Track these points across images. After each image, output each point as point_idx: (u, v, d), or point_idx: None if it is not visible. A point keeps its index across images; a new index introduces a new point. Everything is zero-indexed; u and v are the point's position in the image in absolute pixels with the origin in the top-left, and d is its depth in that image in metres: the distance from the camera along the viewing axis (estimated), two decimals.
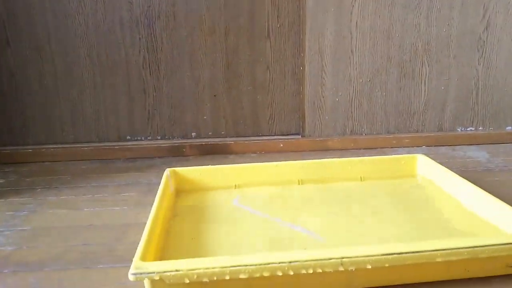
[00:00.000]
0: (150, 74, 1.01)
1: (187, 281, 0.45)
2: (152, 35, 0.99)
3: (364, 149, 1.04)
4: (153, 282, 0.45)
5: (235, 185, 0.78)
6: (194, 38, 1.00)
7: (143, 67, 1.01)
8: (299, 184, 0.79)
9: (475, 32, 1.00)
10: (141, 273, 0.44)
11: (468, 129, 1.08)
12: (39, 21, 0.96)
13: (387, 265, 0.47)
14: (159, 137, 1.05)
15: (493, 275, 0.51)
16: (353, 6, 0.96)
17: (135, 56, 1.00)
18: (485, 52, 1.02)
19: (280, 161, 0.83)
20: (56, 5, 0.95)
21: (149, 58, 1.00)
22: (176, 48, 1.00)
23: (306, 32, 0.98)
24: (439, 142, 1.06)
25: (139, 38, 0.99)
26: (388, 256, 0.47)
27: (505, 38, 1.01)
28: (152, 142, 1.04)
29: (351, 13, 0.97)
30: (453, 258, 0.47)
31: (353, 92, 1.02)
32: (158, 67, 1.01)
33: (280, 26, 1.00)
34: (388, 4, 0.97)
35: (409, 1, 0.97)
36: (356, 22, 0.98)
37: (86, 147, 1.02)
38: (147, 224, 0.54)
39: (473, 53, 1.02)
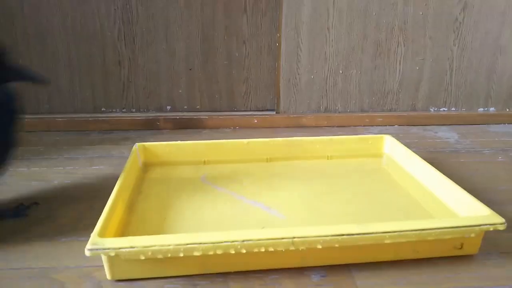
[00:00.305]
0: (125, 46, 1.00)
1: (142, 257, 0.46)
2: (128, 6, 0.97)
3: (337, 126, 1.06)
4: (109, 257, 0.47)
5: (204, 161, 0.79)
6: (170, 11, 0.98)
7: (118, 39, 0.99)
8: (267, 161, 0.80)
9: (451, 13, 1.00)
10: (97, 249, 0.45)
11: (441, 109, 1.10)
12: None
13: (337, 245, 0.49)
14: (134, 110, 1.05)
15: (441, 256, 0.53)
16: None
17: (110, 28, 0.98)
18: (460, 34, 1.02)
19: (254, 137, 0.84)
20: None
21: (125, 30, 0.99)
22: (152, 20, 0.98)
23: (283, 8, 0.97)
24: (412, 121, 1.08)
25: (114, 9, 0.97)
26: (338, 237, 0.48)
27: (481, 20, 1.01)
28: (127, 114, 1.04)
29: None
30: (402, 240, 0.49)
31: (328, 70, 1.03)
32: (134, 39, 1.00)
33: (257, 1, 0.98)
34: None
35: None
36: (333, 0, 0.97)
37: (60, 118, 1.02)
38: (109, 199, 0.56)
39: (449, 34, 1.02)
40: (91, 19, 0.97)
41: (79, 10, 0.96)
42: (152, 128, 1.03)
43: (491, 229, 0.51)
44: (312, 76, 1.03)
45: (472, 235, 0.51)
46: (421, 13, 1.00)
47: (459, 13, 1.00)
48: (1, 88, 0.57)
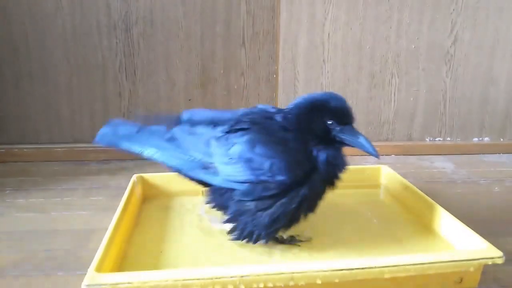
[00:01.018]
0: (126, 78, 1.02)
1: None
2: (129, 39, 1.00)
3: None
4: None
5: (203, 192, 0.79)
6: (170, 44, 1.00)
7: (119, 71, 1.01)
8: None
9: (443, 46, 1.03)
10: (94, 285, 0.45)
11: (437, 139, 1.11)
12: (16, 21, 0.96)
13: (337, 280, 0.48)
14: None
15: None
16: (326, 18, 0.98)
17: (111, 60, 1.00)
18: (452, 66, 1.05)
19: None
20: (34, 6, 0.95)
21: (126, 62, 1.01)
22: (153, 52, 1.01)
23: (280, 41, 1.00)
24: (408, 151, 1.09)
25: (116, 43, 0.99)
26: (338, 272, 0.48)
27: (472, 53, 1.04)
28: None
29: (323, 25, 0.99)
30: (401, 274, 0.49)
31: None
32: (134, 71, 1.02)
33: (255, 34, 1.01)
34: (359, 16, 0.99)
35: (380, 15, 1.00)
36: (328, 34, 1.00)
37: (60, 148, 1.03)
38: (106, 234, 0.55)
39: (441, 66, 1.05)
40: (93, 51, 0.99)
41: (81, 43, 0.98)
42: None
43: (490, 263, 0.50)
44: None
45: (471, 269, 0.51)
46: (413, 46, 1.03)
47: (450, 46, 1.03)
48: (337, 149, 0.58)
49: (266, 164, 0.55)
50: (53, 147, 1.03)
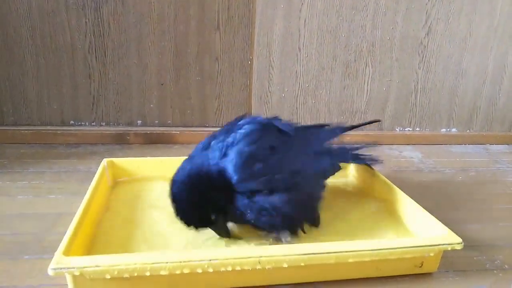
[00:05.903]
0: (96, 59, 0.99)
1: (108, 276, 0.46)
2: (99, 19, 0.96)
3: None
4: (74, 277, 0.46)
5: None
6: (142, 25, 0.98)
7: (89, 52, 0.98)
8: None
9: (417, 37, 1.05)
10: (61, 268, 0.45)
11: (406, 129, 1.14)
12: None
13: (302, 264, 0.49)
14: (103, 124, 1.04)
15: (403, 274, 0.55)
16: (302, 3, 0.98)
17: (80, 40, 0.97)
18: (425, 57, 1.07)
19: None
20: None
21: (95, 42, 0.98)
22: (124, 34, 0.98)
23: (256, 26, 0.99)
24: (379, 140, 1.10)
25: (86, 22, 0.96)
26: (304, 256, 0.49)
27: (444, 45, 1.07)
28: (96, 128, 1.03)
29: (300, 11, 0.99)
30: (365, 259, 0.51)
31: (298, 88, 1.05)
32: (105, 53, 0.99)
33: (230, 18, 1.00)
34: (336, 4, 0.99)
35: (357, 3, 1.00)
36: (305, 20, 1.00)
37: (26, 130, 0.99)
38: (75, 216, 0.55)
39: (414, 57, 1.07)
40: (61, 30, 0.96)
41: (48, 21, 0.95)
42: (121, 142, 1.02)
43: (449, 248, 0.53)
44: (283, 94, 1.05)
45: (431, 254, 0.53)
46: (388, 38, 1.04)
47: (424, 37, 1.05)
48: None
49: None
50: (19, 129, 0.99)
